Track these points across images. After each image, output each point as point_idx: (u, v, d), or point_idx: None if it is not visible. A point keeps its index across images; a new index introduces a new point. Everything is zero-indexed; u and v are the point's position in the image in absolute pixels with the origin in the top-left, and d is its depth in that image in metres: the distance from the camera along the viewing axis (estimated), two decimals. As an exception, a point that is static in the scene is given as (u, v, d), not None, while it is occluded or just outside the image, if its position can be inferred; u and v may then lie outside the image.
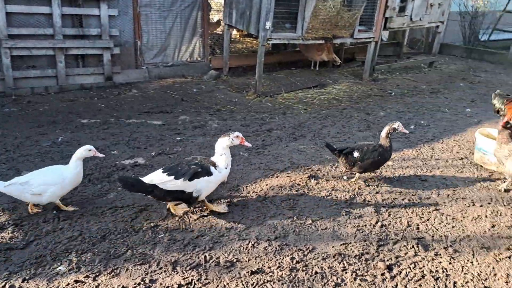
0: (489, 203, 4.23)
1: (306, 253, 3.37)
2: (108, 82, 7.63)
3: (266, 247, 3.42)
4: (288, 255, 3.33)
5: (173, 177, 3.48)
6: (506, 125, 3.63)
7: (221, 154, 3.71)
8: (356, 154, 4.40)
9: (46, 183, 3.58)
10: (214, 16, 10.62)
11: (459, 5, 12.82)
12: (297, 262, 3.26)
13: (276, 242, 3.48)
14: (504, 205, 4.20)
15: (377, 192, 4.36)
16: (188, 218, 3.75)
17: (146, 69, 8.16)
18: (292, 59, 9.83)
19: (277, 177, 4.56)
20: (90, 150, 3.76)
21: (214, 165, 3.69)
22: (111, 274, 3.01)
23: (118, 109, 6.58)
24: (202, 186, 3.58)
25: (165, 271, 3.06)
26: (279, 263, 3.24)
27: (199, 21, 8.51)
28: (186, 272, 3.06)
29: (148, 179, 3.51)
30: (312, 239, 3.56)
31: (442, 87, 8.86)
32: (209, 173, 3.60)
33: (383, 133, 4.44)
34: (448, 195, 4.36)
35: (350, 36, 8.30)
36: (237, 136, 3.71)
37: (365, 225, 3.78)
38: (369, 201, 4.18)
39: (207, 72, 8.59)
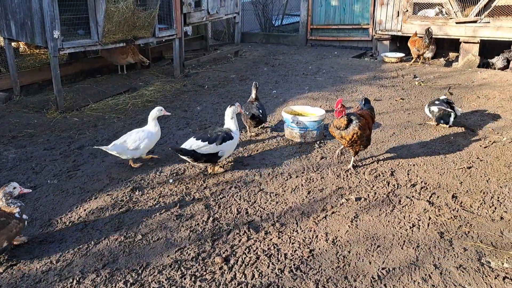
0: (302, 173, 4.66)
1: (140, 272, 3.14)
2: None
3: (94, 279, 3.07)
4: (120, 280, 3.04)
5: (207, 142, 4.39)
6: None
7: (231, 118, 4.75)
8: (255, 111, 5.48)
9: (139, 138, 4.57)
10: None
11: (250, -5, 13.89)
12: (132, 284, 3.02)
13: (105, 270, 3.14)
14: (315, 171, 4.69)
15: (204, 188, 4.36)
16: (-10, 275, 3.09)
17: None
18: (95, 66, 9.10)
19: (96, 198, 4.13)
20: (161, 110, 4.75)
21: (230, 131, 4.67)
22: None
23: None
24: (227, 148, 4.55)
25: None
26: (111, 292, 2.93)
27: (-32, 38, 7.12)
28: None
29: (188, 145, 4.41)
30: (145, 254, 3.34)
31: (250, 74, 9.46)
32: (231, 137, 4.60)
33: (253, 95, 5.76)
34: (269, 173, 4.64)
35: (152, 36, 8.11)
36: (239, 105, 4.84)
37: (198, 224, 3.73)
38: (198, 198, 4.15)
39: (-7, 96, 7.27)
